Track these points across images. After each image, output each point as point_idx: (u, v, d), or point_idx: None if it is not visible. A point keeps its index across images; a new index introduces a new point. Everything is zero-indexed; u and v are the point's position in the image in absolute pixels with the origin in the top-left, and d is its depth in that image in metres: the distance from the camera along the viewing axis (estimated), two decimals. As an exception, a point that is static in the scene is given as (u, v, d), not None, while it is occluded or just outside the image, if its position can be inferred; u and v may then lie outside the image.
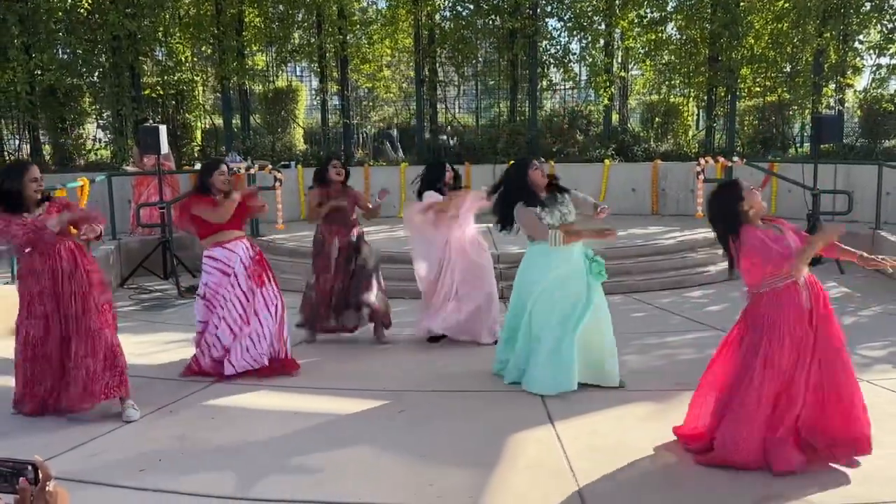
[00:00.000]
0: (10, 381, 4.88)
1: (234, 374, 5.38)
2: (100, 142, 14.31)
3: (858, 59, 13.20)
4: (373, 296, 6.33)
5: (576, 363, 4.98)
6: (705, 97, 14.46)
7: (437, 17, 14.70)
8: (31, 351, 4.67)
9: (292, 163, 13.41)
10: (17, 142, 13.73)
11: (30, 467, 1.51)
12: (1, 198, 4.58)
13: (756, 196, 3.88)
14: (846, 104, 13.88)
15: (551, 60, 14.69)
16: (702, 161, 10.97)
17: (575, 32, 14.45)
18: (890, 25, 12.87)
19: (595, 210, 5.37)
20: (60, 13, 12.52)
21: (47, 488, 1.50)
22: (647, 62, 14.84)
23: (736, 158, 11.02)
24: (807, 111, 13.45)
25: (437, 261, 6.29)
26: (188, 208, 5.57)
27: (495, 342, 6.16)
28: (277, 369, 5.53)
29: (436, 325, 6.34)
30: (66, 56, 13.51)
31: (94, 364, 4.59)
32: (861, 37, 13.13)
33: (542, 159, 5.29)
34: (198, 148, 14.62)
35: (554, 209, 5.11)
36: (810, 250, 3.70)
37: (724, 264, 9.29)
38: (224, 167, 5.59)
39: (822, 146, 10.72)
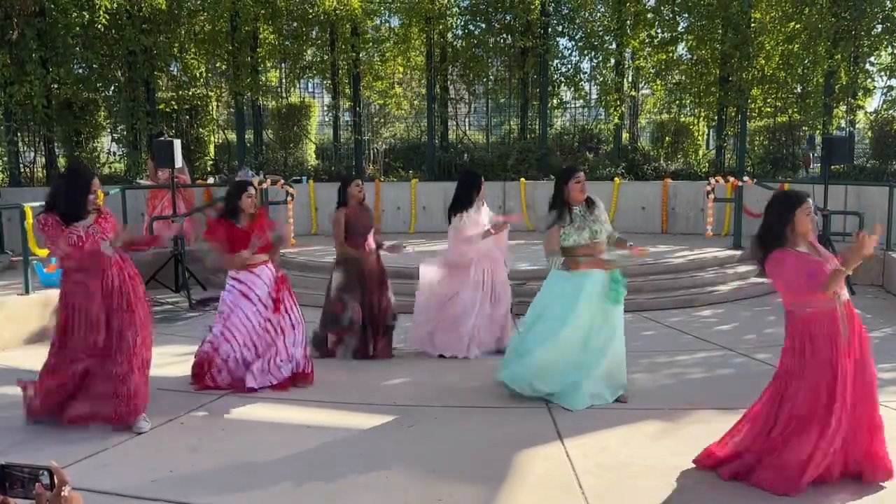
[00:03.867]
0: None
1: (254, 388, 5.44)
2: (114, 155, 14.45)
3: (869, 80, 13.22)
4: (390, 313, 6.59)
5: (587, 385, 5.04)
6: (716, 117, 14.49)
7: (449, 35, 14.83)
8: (62, 355, 4.70)
9: (304, 178, 13.50)
10: (32, 154, 13.87)
11: (46, 472, 1.53)
12: (61, 206, 4.62)
13: (805, 220, 3.77)
14: (857, 125, 13.88)
15: (562, 79, 14.78)
16: (712, 181, 10.99)
17: (586, 52, 14.54)
18: (901, 47, 12.90)
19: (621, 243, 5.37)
20: (78, 28, 12.69)
21: (63, 493, 1.51)
22: (658, 82, 14.90)
23: (746, 178, 11.03)
24: (817, 132, 13.45)
25: (474, 283, 6.43)
26: (216, 236, 5.65)
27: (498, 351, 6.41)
28: (294, 381, 5.62)
29: (474, 353, 6.44)
30: (82, 70, 13.69)
31: (137, 378, 4.67)
32: (872, 58, 13.16)
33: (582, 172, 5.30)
34: (211, 162, 14.75)
35: (585, 227, 5.12)
36: (840, 275, 3.63)
37: (734, 283, 9.32)
38: (252, 189, 5.66)
39: (832, 167, 10.71)
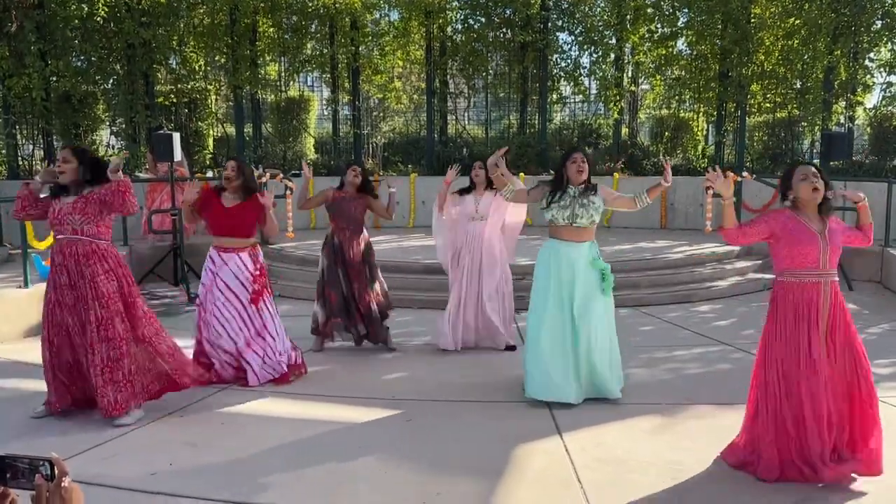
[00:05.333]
0: (23, 384, 4.93)
1: (256, 384, 5.47)
2: (113, 148, 14.42)
3: (869, 76, 13.22)
4: (374, 306, 6.47)
5: (573, 374, 5.03)
6: (715, 112, 14.49)
7: (449, 29, 14.81)
8: (47, 348, 4.71)
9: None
10: (31, 147, 13.85)
11: (46, 463, 1.53)
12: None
13: (804, 189, 3.90)
14: (856, 121, 13.89)
15: (562, 74, 14.77)
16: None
17: (586, 46, 14.54)
18: (901, 43, 12.90)
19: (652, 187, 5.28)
20: (76, 21, 12.66)
21: (63, 484, 1.52)
22: (658, 77, 14.89)
23: (745, 174, 11.03)
24: (816, 128, 13.46)
25: (455, 250, 6.55)
26: (199, 202, 5.69)
27: (505, 348, 6.48)
28: (291, 374, 5.63)
29: (450, 344, 6.47)
30: (81, 63, 13.65)
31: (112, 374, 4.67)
32: (872, 54, 13.16)
33: (584, 154, 5.28)
34: (209, 156, 14.73)
35: (568, 207, 5.08)
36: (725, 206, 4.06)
37: (733, 279, 9.34)
38: (229, 163, 5.64)
39: (831, 163, 10.71)
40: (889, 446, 3.93)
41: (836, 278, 3.91)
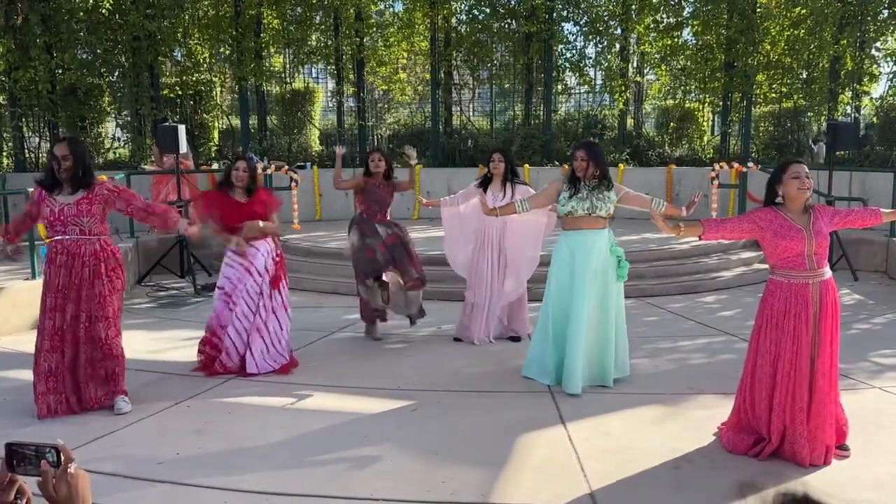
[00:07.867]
0: (31, 374, 4.96)
1: (255, 373, 5.51)
2: (119, 140, 14.46)
3: (875, 66, 13.15)
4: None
5: (581, 364, 5.08)
6: (721, 103, 14.44)
7: (454, 20, 14.77)
8: (47, 343, 4.74)
9: (308, 164, 13.51)
10: (37, 139, 13.89)
11: (52, 450, 1.56)
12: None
13: (791, 186, 3.90)
14: (862, 111, 13.82)
15: (567, 64, 14.73)
16: (717, 166, 10.96)
17: (591, 37, 14.50)
18: (908, 33, 12.83)
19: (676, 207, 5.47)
20: (82, 13, 12.68)
21: (69, 470, 1.54)
22: (663, 67, 14.84)
23: (750, 164, 11.00)
24: (823, 118, 13.40)
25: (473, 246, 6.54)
26: (203, 205, 5.76)
27: (510, 339, 6.56)
28: (291, 367, 5.68)
29: (480, 338, 6.49)
30: (86, 56, 13.68)
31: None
32: (878, 44, 13.10)
33: (583, 152, 5.33)
34: (215, 148, 14.76)
35: (587, 198, 5.17)
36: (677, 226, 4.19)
37: (738, 269, 9.33)
38: (240, 163, 5.65)
39: (837, 153, 10.68)
40: (890, 437, 3.95)
41: (828, 276, 3.93)
